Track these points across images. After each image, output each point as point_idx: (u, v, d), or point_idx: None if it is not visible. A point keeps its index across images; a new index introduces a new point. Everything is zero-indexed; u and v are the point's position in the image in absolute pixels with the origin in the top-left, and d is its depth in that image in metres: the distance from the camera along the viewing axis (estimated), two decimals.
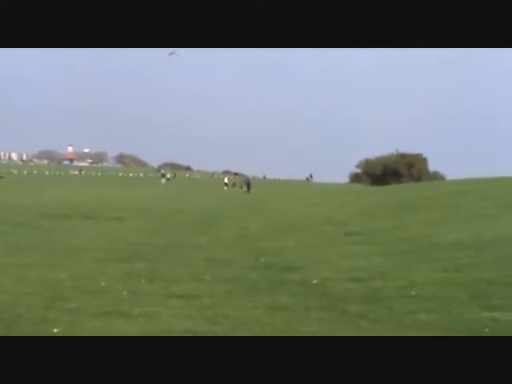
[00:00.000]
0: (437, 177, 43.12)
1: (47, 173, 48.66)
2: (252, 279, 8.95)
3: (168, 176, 47.15)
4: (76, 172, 49.37)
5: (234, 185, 37.51)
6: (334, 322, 6.28)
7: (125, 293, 7.80)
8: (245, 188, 36.27)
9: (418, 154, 49.19)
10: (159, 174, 48.52)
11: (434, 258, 9.70)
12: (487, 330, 5.70)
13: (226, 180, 39.68)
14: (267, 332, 5.80)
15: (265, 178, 66.08)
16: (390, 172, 45.53)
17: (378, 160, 49.56)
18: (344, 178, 51.59)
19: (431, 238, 11.59)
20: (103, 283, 8.44)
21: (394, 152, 50.04)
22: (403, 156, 48.26)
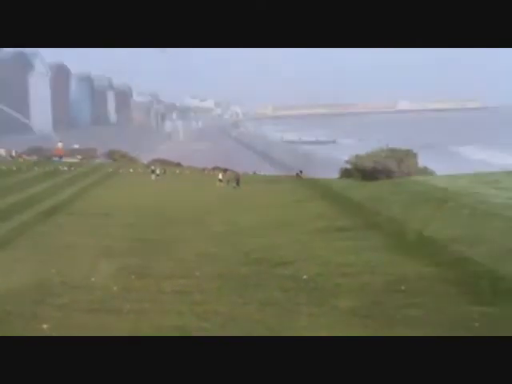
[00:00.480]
0: (426, 172, 43.27)
1: (36, 169, 48.36)
2: (242, 275, 8.94)
3: (158, 172, 46.94)
4: (65, 168, 49.06)
5: (228, 181, 37.37)
6: (324, 317, 6.29)
7: (115, 288, 7.76)
8: (234, 183, 36.20)
9: (408, 150, 49.32)
10: (149, 170, 48.32)
11: (425, 252, 9.74)
12: (477, 324, 5.73)
13: (220, 176, 39.42)
14: (258, 328, 5.79)
15: (255, 173, 66.02)
16: (381, 167, 45.66)
17: (369, 155, 49.64)
18: (334, 174, 51.57)
19: (422, 233, 11.62)
20: (93, 279, 8.40)
21: (384, 147, 50.14)
22: (393, 151, 48.39)
